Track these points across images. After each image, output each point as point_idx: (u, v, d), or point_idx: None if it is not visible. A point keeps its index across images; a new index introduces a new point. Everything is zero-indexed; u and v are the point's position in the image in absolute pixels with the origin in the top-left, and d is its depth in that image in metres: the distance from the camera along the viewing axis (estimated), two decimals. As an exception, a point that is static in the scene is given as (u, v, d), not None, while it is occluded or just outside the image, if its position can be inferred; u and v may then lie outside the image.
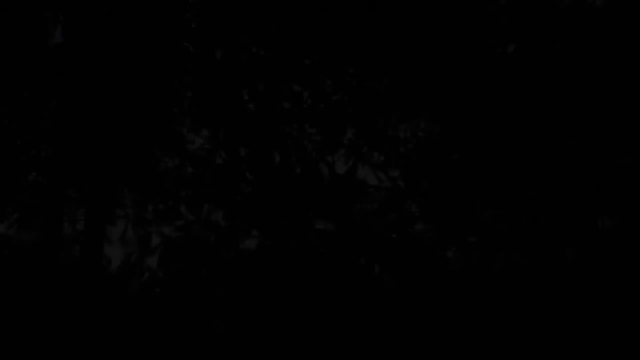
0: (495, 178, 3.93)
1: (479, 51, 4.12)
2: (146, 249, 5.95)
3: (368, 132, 5.20)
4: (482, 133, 4.06)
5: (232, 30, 4.92)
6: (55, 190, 6.13)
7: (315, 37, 4.64)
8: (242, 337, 6.54)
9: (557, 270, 3.67)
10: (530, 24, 4.33)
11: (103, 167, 6.08)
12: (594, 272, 3.52)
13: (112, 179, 6.32)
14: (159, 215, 6.08)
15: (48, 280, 5.76)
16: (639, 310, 3.43)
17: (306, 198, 5.20)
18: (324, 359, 6.04)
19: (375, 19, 4.14)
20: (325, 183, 5.00)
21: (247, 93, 4.92)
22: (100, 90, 5.71)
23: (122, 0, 4.84)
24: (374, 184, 5.38)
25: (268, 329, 6.49)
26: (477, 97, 4.20)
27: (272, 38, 4.86)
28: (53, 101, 6.58)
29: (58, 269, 6.04)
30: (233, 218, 6.27)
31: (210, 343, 6.54)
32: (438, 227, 3.96)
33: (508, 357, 4.46)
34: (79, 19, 5.45)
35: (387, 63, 4.35)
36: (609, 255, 3.37)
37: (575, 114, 3.17)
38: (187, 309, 6.50)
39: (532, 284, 3.78)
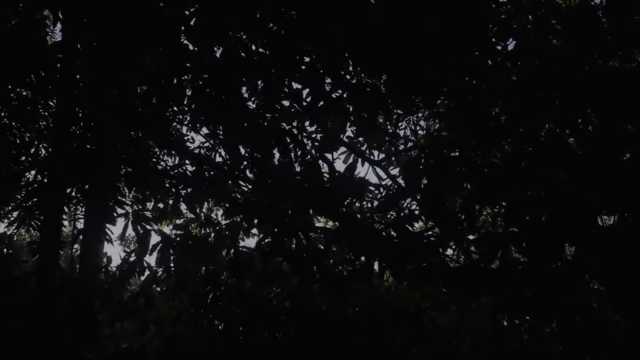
0: (495, 175, 3.92)
1: (479, 47, 4.12)
2: (146, 247, 5.94)
3: (368, 129, 5.18)
4: (482, 130, 4.05)
5: (232, 28, 4.91)
6: (55, 189, 6.11)
7: (315, 35, 4.62)
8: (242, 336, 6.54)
9: (556, 267, 3.66)
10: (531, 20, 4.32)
11: (103, 166, 6.07)
12: (595, 270, 3.52)
13: (112, 178, 6.31)
14: (158, 214, 6.08)
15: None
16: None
17: (306, 196, 5.20)
18: None
19: (374, 16, 4.12)
20: (325, 181, 5.00)
21: (247, 91, 4.92)
22: (100, 88, 5.70)
23: (121, -2, 4.82)
24: (374, 182, 5.39)
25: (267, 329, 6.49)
26: (478, 94, 4.19)
27: (272, 36, 4.85)
28: (52, 99, 6.57)
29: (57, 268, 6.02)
30: (233, 216, 6.27)
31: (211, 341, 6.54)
32: (437, 225, 3.96)
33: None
34: (78, 16, 5.44)
35: (387, 59, 4.34)
36: (609, 252, 3.37)
37: (576, 110, 3.17)
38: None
39: (532, 281, 3.78)
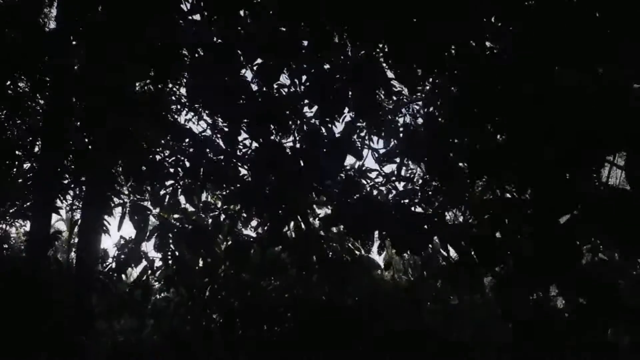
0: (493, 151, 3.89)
1: (481, 30, 4.10)
2: (143, 234, 5.84)
3: (367, 113, 5.14)
4: (482, 111, 4.01)
5: (230, 11, 4.89)
6: (49, 181, 6.03)
7: (315, 17, 4.60)
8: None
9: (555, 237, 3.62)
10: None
11: (101, 156, 6.00)
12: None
13: (109, 168, 6.23)
14: (156, 200, 5.98)
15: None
16: None
17: (306, 183, 5.15)
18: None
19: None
20: (323, 169, 4.95)
21: (246, 65, 4.88)
22: (98, 77, 5.66)
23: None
24: (373, 169, 5.36)
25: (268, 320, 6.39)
26: (478, 76, 4.16)
27: (271, 18, 4.84)
28: (47, 91, 6.50)
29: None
30: (231, 204, 6.20)
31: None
32: (441, 183, 3.90)
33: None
34: (75, 3, 5.43)
35: (388, 43, 4.32)
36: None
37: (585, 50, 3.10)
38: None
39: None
